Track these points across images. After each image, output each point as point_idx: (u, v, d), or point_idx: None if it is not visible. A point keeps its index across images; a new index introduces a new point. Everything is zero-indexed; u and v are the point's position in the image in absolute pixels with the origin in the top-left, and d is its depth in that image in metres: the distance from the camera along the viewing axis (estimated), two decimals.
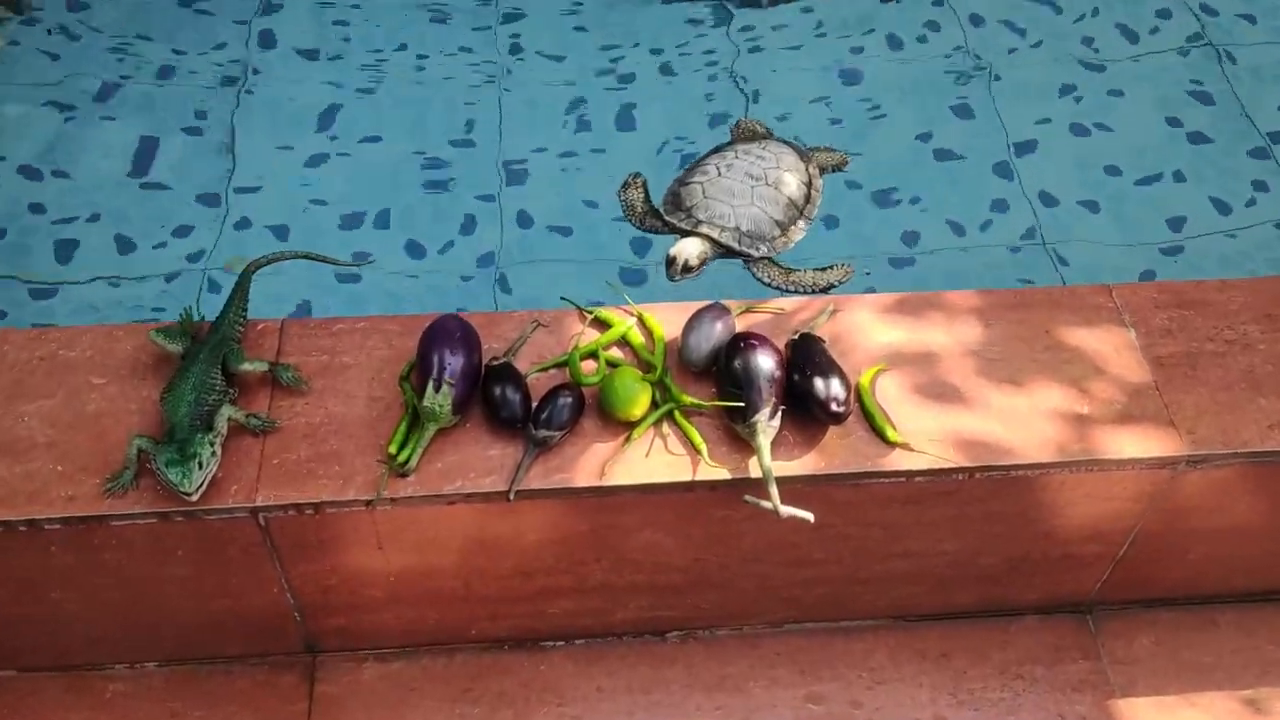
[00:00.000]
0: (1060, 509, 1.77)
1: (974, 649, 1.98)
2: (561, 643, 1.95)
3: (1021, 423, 1.70)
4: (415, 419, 1.64)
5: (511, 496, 1.59)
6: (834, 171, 2.32)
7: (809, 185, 2.10)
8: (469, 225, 2.67)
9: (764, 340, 1.67)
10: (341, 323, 1.79)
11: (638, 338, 1.77)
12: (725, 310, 1.74)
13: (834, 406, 1.62)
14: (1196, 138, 2.89)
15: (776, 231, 1.99)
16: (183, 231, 2.62)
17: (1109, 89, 2.99)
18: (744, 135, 2.33)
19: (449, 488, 1.60)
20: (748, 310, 1.83)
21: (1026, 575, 1.93)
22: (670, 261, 1.93)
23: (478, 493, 1.60)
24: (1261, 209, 2.73)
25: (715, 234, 1.95)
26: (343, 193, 2.72)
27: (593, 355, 1.75)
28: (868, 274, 2.49)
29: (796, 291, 1.94)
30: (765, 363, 1.64)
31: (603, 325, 1.80)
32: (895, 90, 2.99)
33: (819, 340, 1.73)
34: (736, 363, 1.65)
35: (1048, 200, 2.76)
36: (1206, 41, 3.12)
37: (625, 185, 2.15)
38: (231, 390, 1.66)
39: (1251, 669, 1.97)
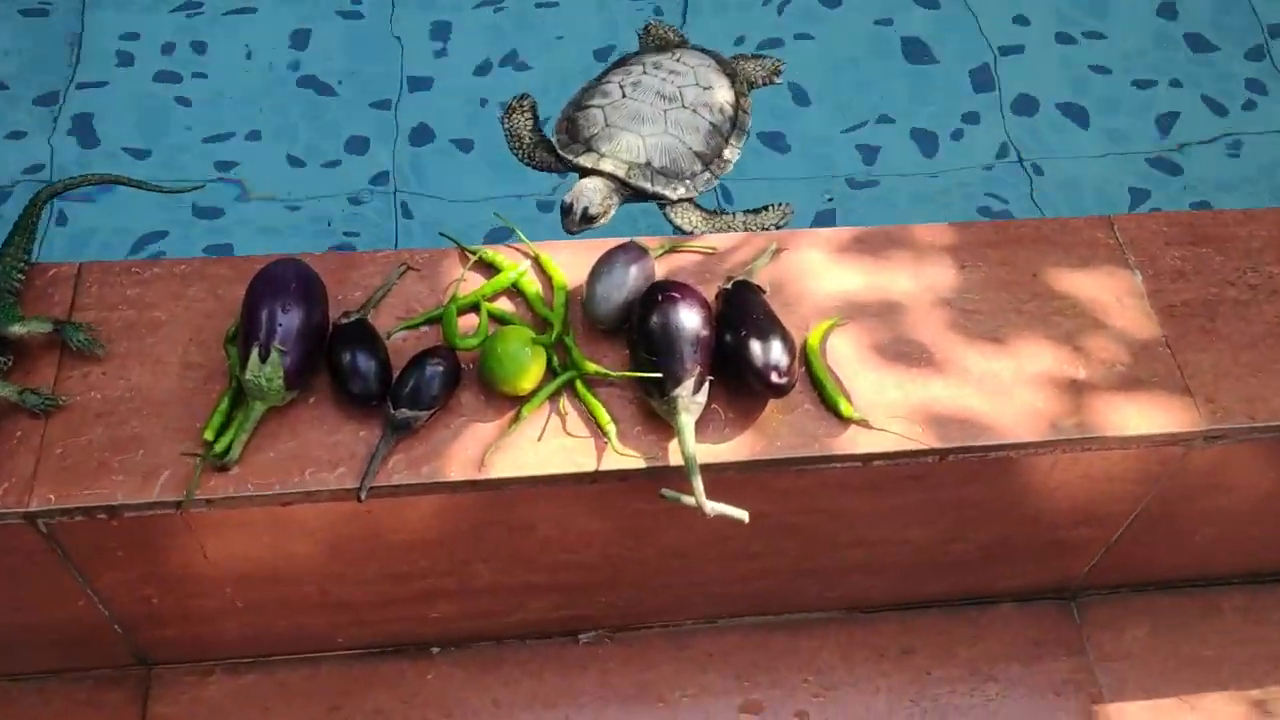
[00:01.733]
0: (1049, 492, 1.46)
1: (940, 644, 1.69)
2: (452, 648, 1.62)
3: (1004, 392, 1.38)
4: (240, 395, 1.29)
5: (362, 496, 1.25)
6: (766, 84, 1.95)
7: (735, 105, 1.73)
8: (361, 141, 2.27)
9: (687, 291, 1.32)
10: (157, 266, 1.42)
11: (533, 286, 1.42)
12: (642, 252, 1.39)
13: (774, 377, 1.28)
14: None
15: (697, 166, 1.63)
16: (16, 135, 2.21)
17: None
18: (653, 44, 1.94)
19: (282, 485, 1.25)
20: (672, 250, 1.48)
21: (1004, 562, 1.63)
22: (567, 209, 1.58)
23: (321, 490, 1.26)
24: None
25: (622, 172, 1.59)
26: (208, 96, 2.30)
27: (474, 308, 1.40)
28: (829, 200, 2.13)
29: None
30: (689, 321, 1.29)
31: (490, 269, 1.44)
32: None
33: (757, 290, 1.39)
34: (653, 321, 1.30)
35: (1023, 107, 2.41)
36: None
37: (509, 109, 1.76)
38: (4, 358, 1.29)
39: (1259, 664, 1.69)
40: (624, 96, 1.67)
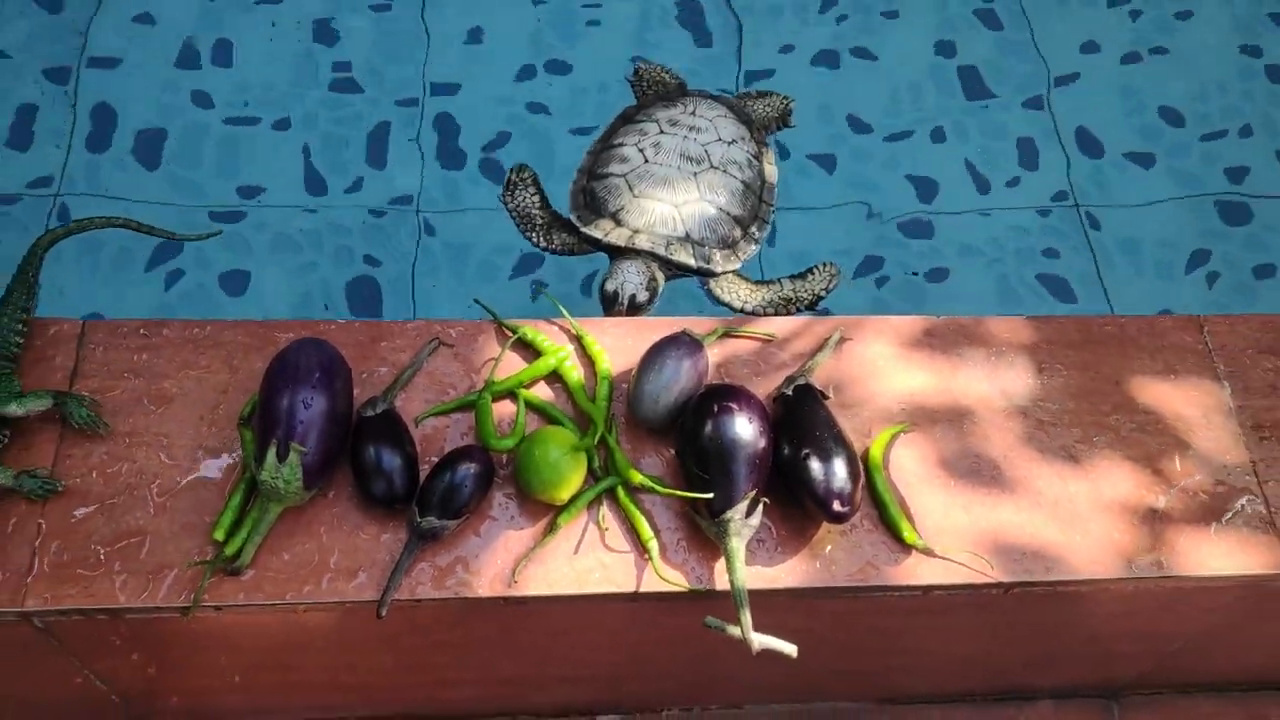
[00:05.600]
0: (1111, 618, 1.36)
1: None
2: None
3: (1079, 520, 1.27)
4: (254, 489, 1.19)
5: (382, 613, 1.15)
6: (779, 129, 1.80)
7: (759, 156, 1.58)
8: (384, 140, 2.15)
9: (745, 400, 1.21)
10: (167, 328, 1.31)
11: (575, 374, 1.31)
12: (696, 347, 1.28)
13: (836, 505, 1.18)
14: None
15: (737, 231, 1.48)
16: (24, 132, 2.08)
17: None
18: (653, 87, 1.76)
19: (296, 594, 1.15)
20: (726, 335, 1.37)
21: (1047, 667, 1.54)
22: (610, 299, 1.44)
23: (338, 603, 1.16)
24: None
25: (661, 248, 1.45)
26: (227, 90, 2.17)
27: (511, 394, 1.29)
28: (914, 274, 2.01)
29: (776, 312, 1.47)
30: (745, 435, 1.18)
31: (529, 351, 1.33)
32: None
33: (820, 396, 1.28)
34: (707, 433, 1.19)
35: (1087, 147, 2.28)
36: None
37: (509, 185, 1.58)
38: (1, 433, 1.19)
39: None
40: (646, 161, 1.52)
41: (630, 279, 1.44)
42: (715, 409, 1.20)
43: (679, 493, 1.20)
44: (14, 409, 1.17)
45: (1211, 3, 2.50)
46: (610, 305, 1.45)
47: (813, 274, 1.55)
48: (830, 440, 1.21)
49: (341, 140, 2.12)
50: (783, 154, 2.12)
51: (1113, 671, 1.58)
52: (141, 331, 1.30)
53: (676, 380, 1.24)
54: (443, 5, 2.29)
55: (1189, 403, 1.37)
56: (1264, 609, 1.38)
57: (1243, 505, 1.30)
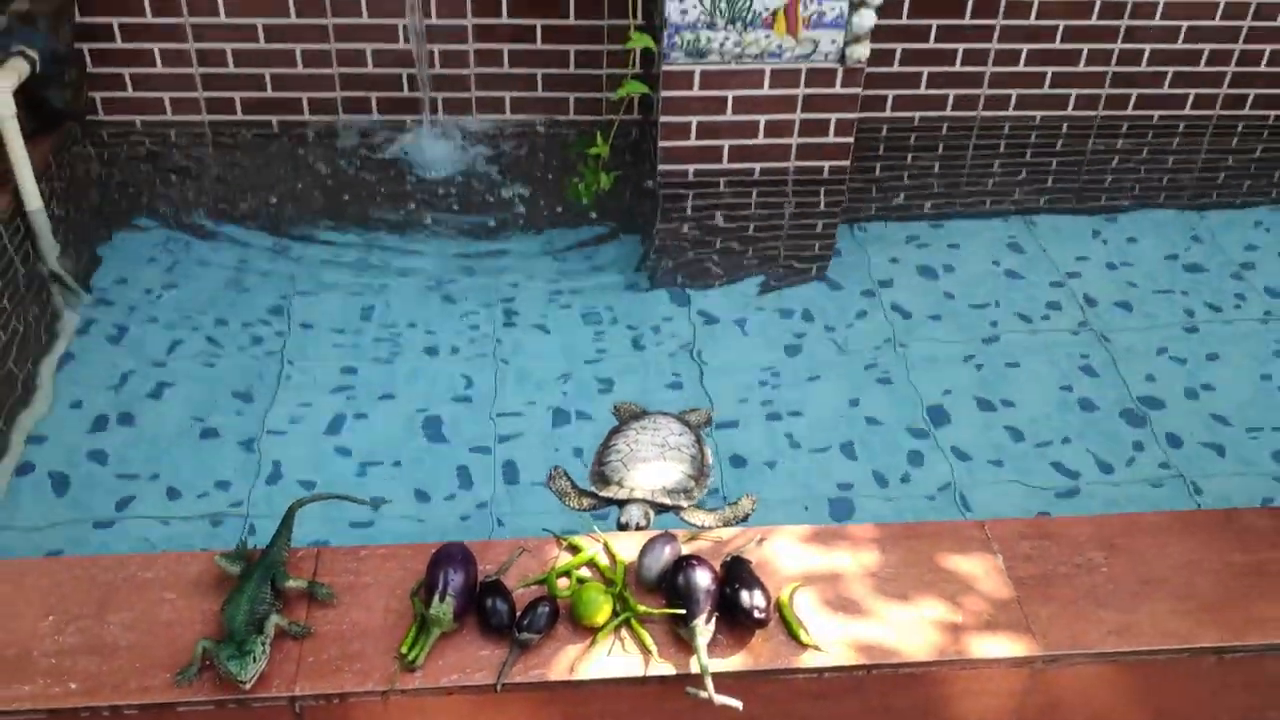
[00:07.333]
0: (946, 702, 2.16)
1: None
2: None
3: (909, 629, 2.12)
4: (423, 625, 2.06)
5: (498, 688, 1.99)
6: (705, 426, 2.85)
7: (698, 441, 2.62)
8: (466, 475, 3.15)
9: (702, 560, 2.12)
10: (366, 550, 2.24)
11: (603, 560, 2.22)
12: (673, 538, 2.20)
13: (756, 614, 2.05)
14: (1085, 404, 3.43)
15: (692, 483, 2.48)
16: (223, 485, 3.09)
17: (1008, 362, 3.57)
18: (628, 414, 2.85)
19: (447, 680, 2.00)
20: (693, 538, 2.29)
21: None
22: (624, 526, 2.41)
23: (471, 685, 2.00)
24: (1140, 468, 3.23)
25: (650, 496, 2.43)
26: (361, 446, 3.21)
27: (566, 574, 2.19)
28: (806, 509, 2.97)
29: (721, 526, 2.40)
30: (702, 578, 2.08)
31: (575, 550, 2.25)
32: (829, 363, 3.55)
33: (747, 561, 2.18)
34: (680, 578, 2.09)
35: (960, 455, 3.27)
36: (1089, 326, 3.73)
37: (551, 478, 2.62)
38: (278, 603, 2.09)
39: None
40: (631, 450, 2.54)
41: (634, 515, 2.39)
42: (684, 565, 2.11)
43: (667, 611, 2.07)
44: (290, 584, 2.09)
45: (1036, 359, 3.59)
46: (623, 529, 2.38)
47: (739, 503, 2.50)
48: (753, 581, 2.10)
49: (435, 478, 3.12)
50: (740, 462, 3.11)
51: None
52: (351, 553, 2.23)
53: (662, 555, 2.16)
54: (506, 389, 3.38)
55: (975, 566, 2.25)
56: (1047, 699, 2.18)
57: (1010, 620, 2.15)
